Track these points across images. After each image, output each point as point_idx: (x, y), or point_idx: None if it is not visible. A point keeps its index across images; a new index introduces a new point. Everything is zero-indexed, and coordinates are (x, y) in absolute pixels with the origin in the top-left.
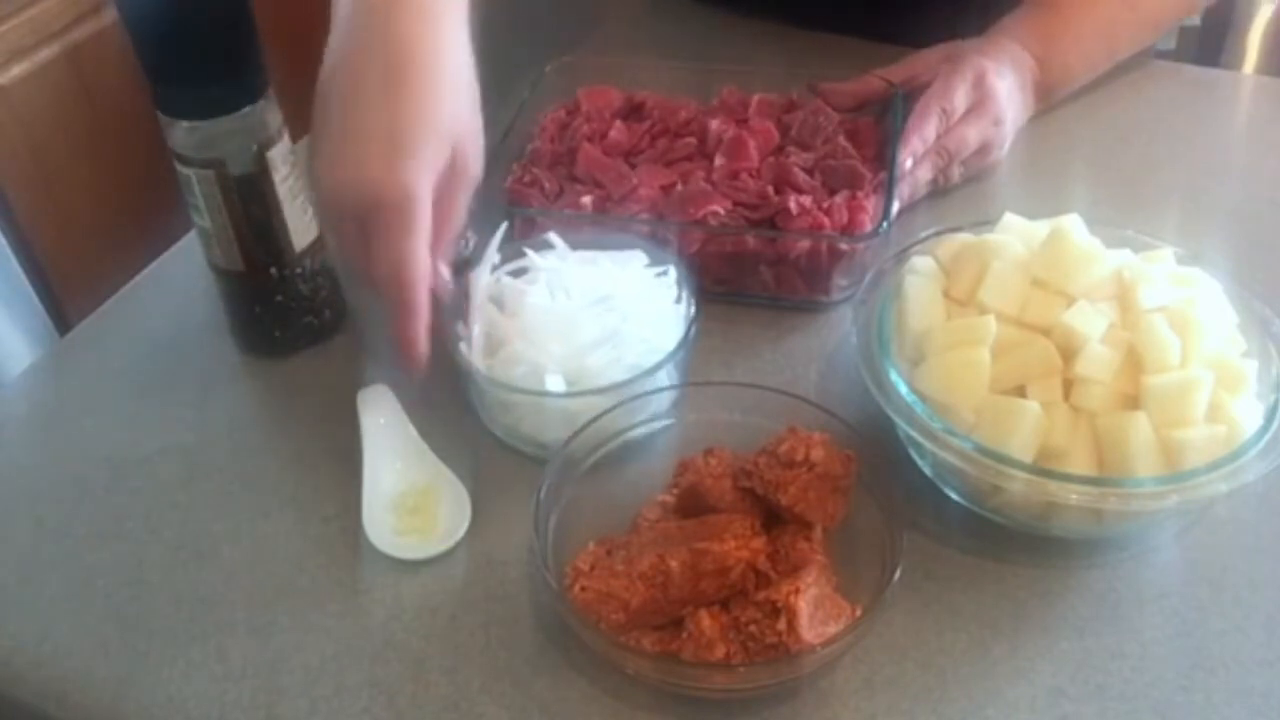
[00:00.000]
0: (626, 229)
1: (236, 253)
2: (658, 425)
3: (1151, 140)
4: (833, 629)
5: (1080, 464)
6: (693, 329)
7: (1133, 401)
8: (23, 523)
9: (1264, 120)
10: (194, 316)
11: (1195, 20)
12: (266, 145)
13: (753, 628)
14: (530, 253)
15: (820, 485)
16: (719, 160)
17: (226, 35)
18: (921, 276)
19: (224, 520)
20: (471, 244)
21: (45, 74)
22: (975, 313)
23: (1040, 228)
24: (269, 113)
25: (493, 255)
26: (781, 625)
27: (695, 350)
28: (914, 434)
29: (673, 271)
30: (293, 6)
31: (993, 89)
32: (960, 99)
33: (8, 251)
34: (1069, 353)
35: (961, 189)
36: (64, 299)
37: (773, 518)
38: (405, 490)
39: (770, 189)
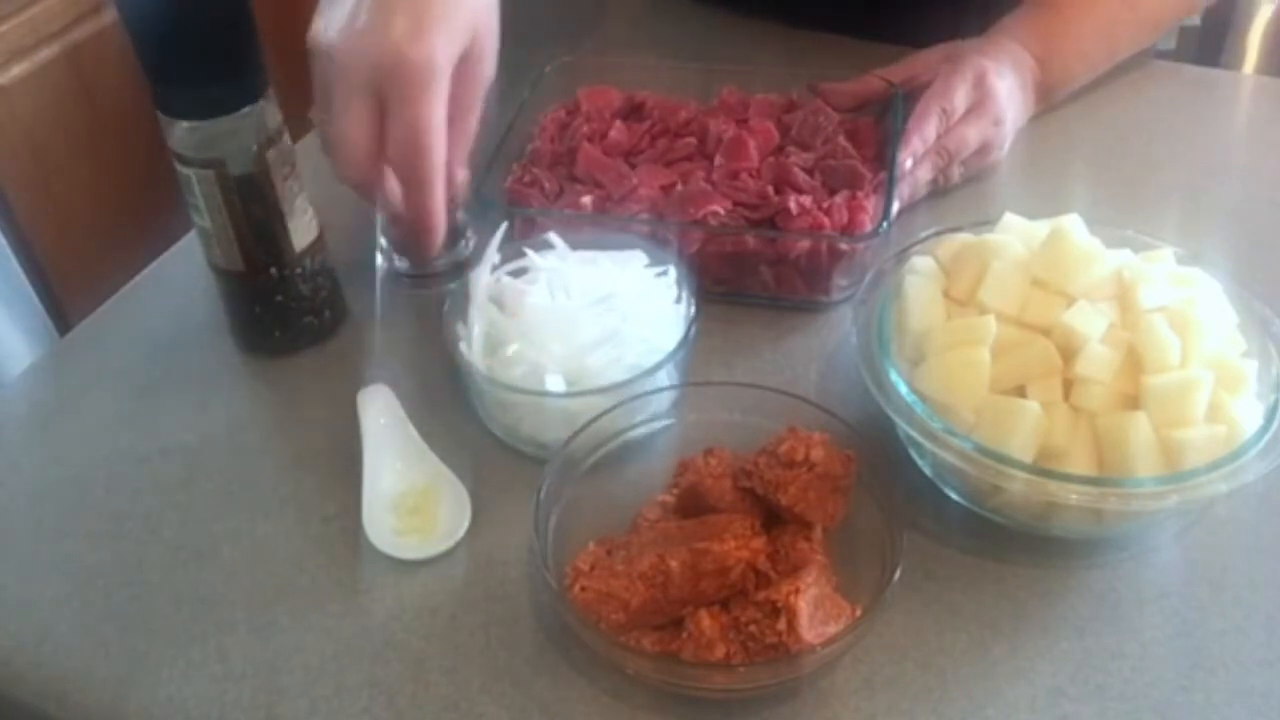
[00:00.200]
0: (626, 229)
1: (236, 253)
2: (658, 425)
3: (1151, 140)
4: (833, 629)
5: (1080, 464)
6: (693, 329)
7: (1133, 401)
8: (23, 523)
9: (1264, 120)
10: (194, 316)
11: (1195, 20)
12: (266, 145)
13: (753, 628)
14: (530, 253)
15: (820, 485)
16: (719, 160)
17: (226, 35)
18: (921, 276)
19: (224, 520)
20: (471, 244)
21: (45, 74)
22: (975, 313)
23: (1040, 228)
24: (269, 113)
25: (493, 255)
26: (781, 625)
27: (695, 350)
28: (914, 434)
29: (673, 271)
30: (293, 6)
31: (993, 89)
32: (960, 99)
33: (8, 251)
34: (1069, 353)
35: (961, 189)
36: (64, 299)
37: (773, 518)
38: (405, 490)
39: (770, 189)
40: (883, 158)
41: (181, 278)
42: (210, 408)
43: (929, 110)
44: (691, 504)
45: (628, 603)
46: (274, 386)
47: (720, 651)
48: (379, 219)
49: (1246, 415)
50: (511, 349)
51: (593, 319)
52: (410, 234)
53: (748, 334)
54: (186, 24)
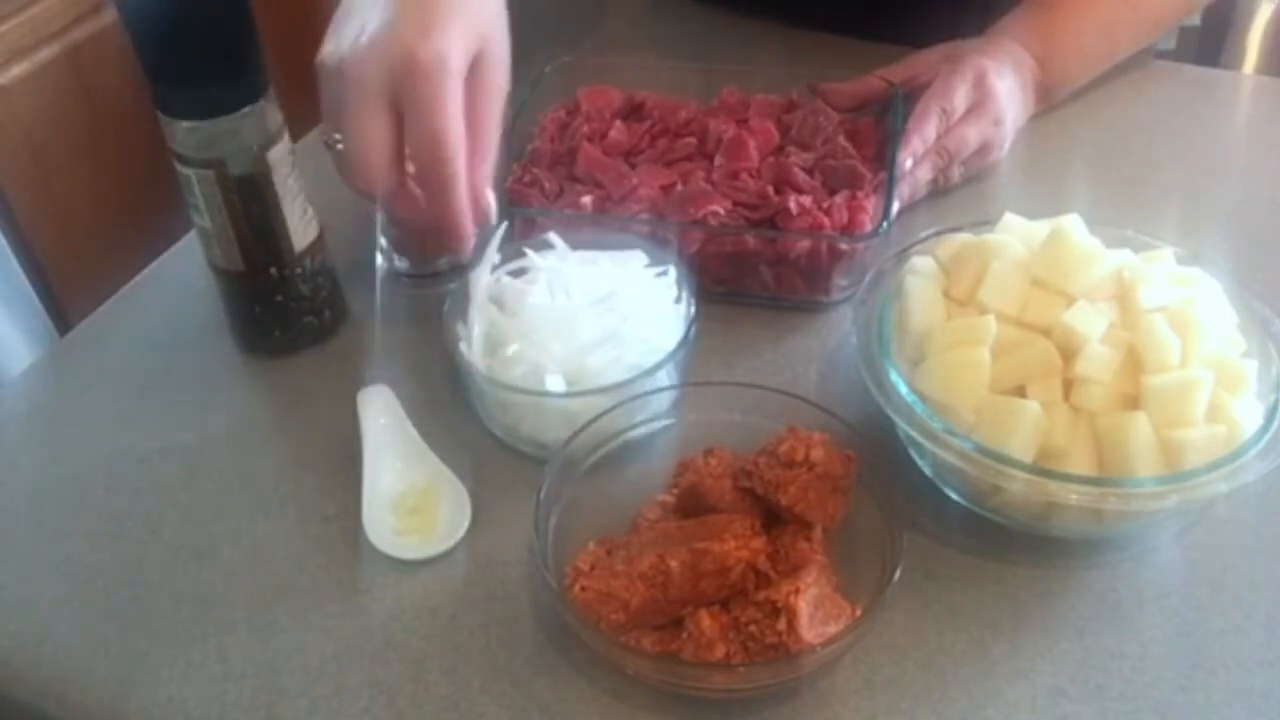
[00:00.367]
0: (626, 229)
1: (236, 253)
2: (658, 425)
3: (1151, 140)
4: (833, 629)
5: (1080, 464)
6: (693, 329)
7: (1133, 401)
8: (23, 523)
9: (1264, 120)
10: (194, 316)
11: (1195, 20)
12: (266, 145)
13: (753, 628)
14: (530, 253)
15: (820, 485)
16: (719, 160)
17: (226, 35)
18: (921, 276)
19: (224, 520)
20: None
21: (45, 74)
22: (975, 313)
23: (1040, 228)
24: (269, 113)
25: (493, 255)
26: (781, 625)
27: (695, 350)
28: (914, 434)
29: (673, 271)
30: (293, 6)
31: (993, 89)
32: (960, 99)
33: (8, 251)
34: (1069, 353)
35: (961, 189)
36: (64, 299)
37: (773, 518)
38: (405, 490)
39: (770, 189)
40: (883, 158)
41: (181, 278)
42: (210, 408)
43: (929, 110)
44: (691, 504)
45: (628, 603)
46: (274, 386)
47: (720, 651)
48: (379, 219)
49: (1246, 415)
50: (511, 349)
51: (593, 319)
52: (438, 238)
53: (748, 334)
54: (186, 24)
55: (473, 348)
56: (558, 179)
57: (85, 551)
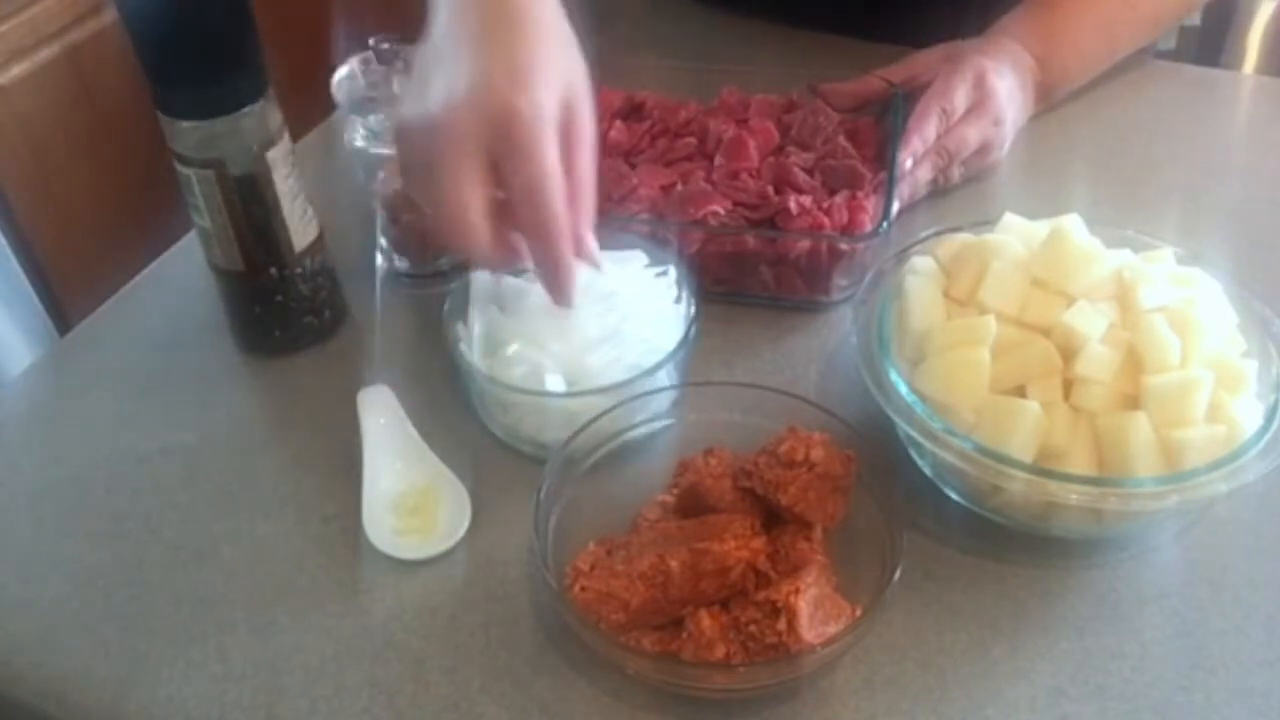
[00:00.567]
0: (626, 229)
1: (236, 253)
2: (658, 425)
3: (1151, 140)
4: (833, 629)
5: (1080, 464)
6: (693, 329)
7: (1133, 401)
8: (23, 523)
9: (1264, 120)
10: (194, 316)
11: (1195, 20)
12: (266, 145)
13: (753, 628)
14: None
15: (820, 485)
16: (719, 160)
17: (226, 35)
18: (921, 276)
19: (224, 520)
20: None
21: (45, 74)
22: (975, 313)
23: (1040, 228)
24: (269, 113)
25: None
26: (781, 625)
27: (695, 350)
28: (914, 434)
29: (673, 271)
30: (293, 6)
31: (993, 89)
32: (960, 99)
33: (8, 251)
34: (1069, 353)
35: (961, 189)
36: (64, 299)
37: (773, 518)
38: (405, 490)
39: (770, 189)
40: (883, 158)
41: (181, 278)
42: (210, 408)
43: (929, 110)
44: (691, 504)
45: (628, 603)
46: (274, 386)
47: (720, 651)
48: (379, 219)
49: (1246, 415)
50: (511, 349)
51: (593, 319)
52: (546, 285)
53: (748, 334)
54: (186, 24)
55: (473, 348)
56: None
57: (85, 551)
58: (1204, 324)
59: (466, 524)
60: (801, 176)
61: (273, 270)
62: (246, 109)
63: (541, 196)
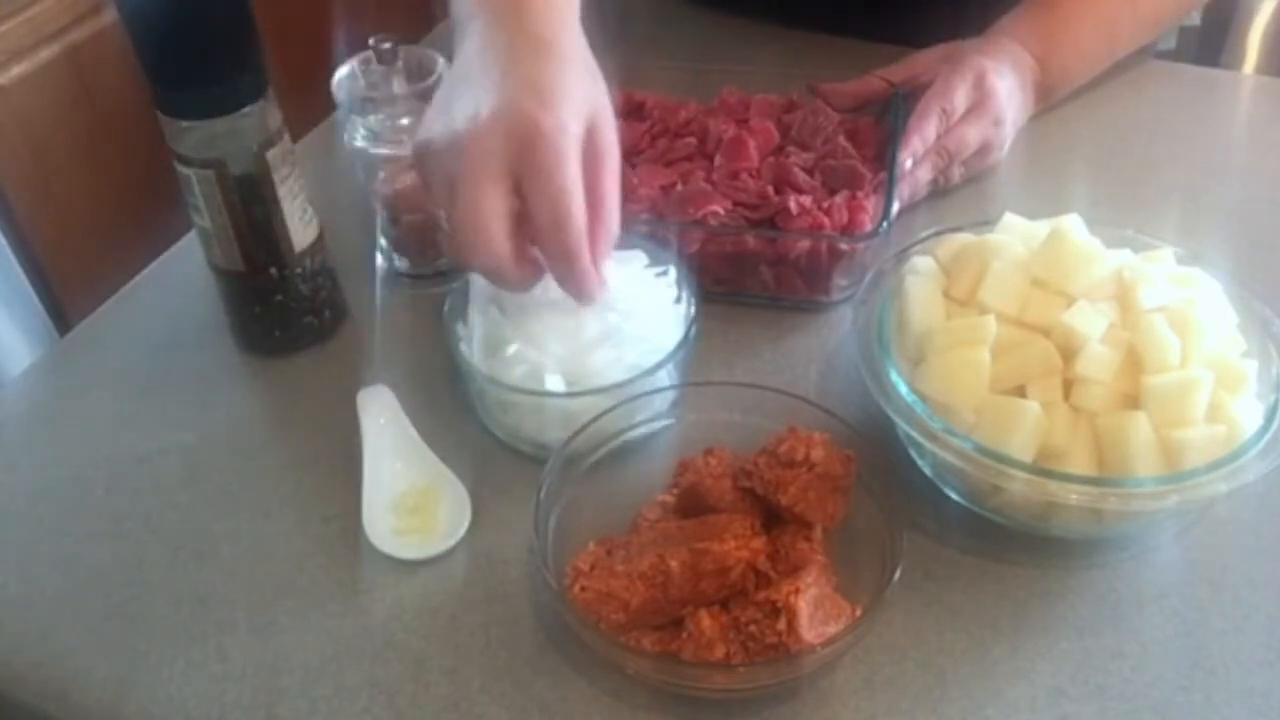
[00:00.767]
0: (626, 229)
1: (236, 253)
2: (658, 425)
3: (1151, 140)
4: (833, 629)
5: (1080, 464)
6: (693, 329)
7: (1133, 401)
8: (23, 523)
9: (1264, 120)
10: (194, 316)
11: (1195, 20)
12: (266, 145)
13: (753, 628)
14: None
15: (820, 485)
16: (719, 160)
17: (226, 35)
18: (921, 276)
19: (224, 520)
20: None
21: (45, 74)
22: (975, 313)
23: (1040, 228)
24: (269, 113)
25: None
26: (781, 625)
27: (695, 350)
28: (914, 434)
29: (673, 271)
30: (293, 6)
31: (993, 89)
32: (960, 99)
33: (8, 251)
34: (1069, 353)
35: (961, 189)
36: (64, 299)
37: (773, 518)
38: (405, 490)
39: (770, 189)
40: (883, 158)
41: (181, 278)
42: (210, 408)
43: (929, 110)
44: (691, 504)
45: (628, 603)
46: (274, 386)
47: (720, 651)
48: (379, 219)
49: (1246, 415)
50: (511, 349)
51: (593, 318)
52: (572, 290)
53: (748, 334)
54: (186, 24)
55: (473, 348)
56: None
57: (85, 551)
58: (1204, 324)
59: (466, 524)
60: (801, 176)
61: (273, 270)
62: (246, 109)
63: (563, 215)
